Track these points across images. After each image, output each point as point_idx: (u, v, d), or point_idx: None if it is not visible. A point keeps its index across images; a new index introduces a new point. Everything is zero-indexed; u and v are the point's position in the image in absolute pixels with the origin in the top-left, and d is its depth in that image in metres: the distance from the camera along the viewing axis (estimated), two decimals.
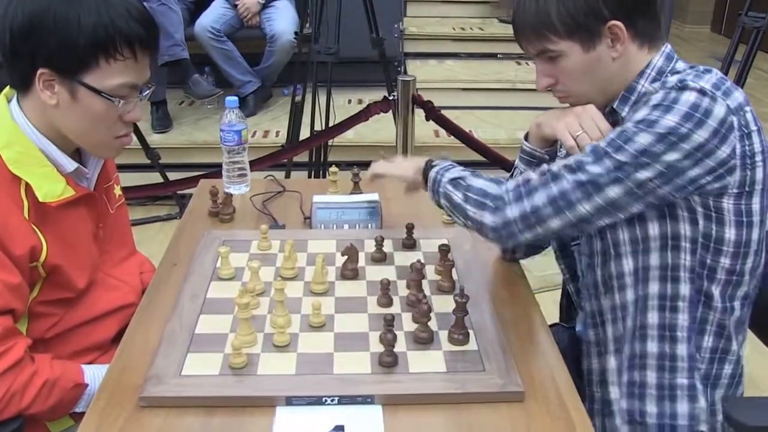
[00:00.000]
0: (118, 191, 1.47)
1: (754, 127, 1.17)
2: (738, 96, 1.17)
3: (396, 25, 4.40)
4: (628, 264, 1.24)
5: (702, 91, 1.13)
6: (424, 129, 3.58)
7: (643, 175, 1.13)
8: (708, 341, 1.25)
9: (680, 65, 1.24)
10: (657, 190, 1.14)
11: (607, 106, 1.26)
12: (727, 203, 1.17)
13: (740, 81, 3.24)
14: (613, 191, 1.14)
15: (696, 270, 1.21)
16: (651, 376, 1.26)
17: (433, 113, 2.94)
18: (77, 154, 1.33)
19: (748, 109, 1.18)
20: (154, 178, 3.40)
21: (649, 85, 1.23)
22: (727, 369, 1.27)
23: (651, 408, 1.27)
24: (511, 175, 1.42)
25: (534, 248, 1.48)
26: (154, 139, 3.74)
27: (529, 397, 1.10)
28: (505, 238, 1.23)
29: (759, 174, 1.17)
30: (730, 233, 1.19)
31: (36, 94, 1.20)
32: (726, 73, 3.32)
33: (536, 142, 1.35)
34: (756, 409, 1.25)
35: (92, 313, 1.34)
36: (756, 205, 1.19)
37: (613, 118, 1.26)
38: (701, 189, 1.15)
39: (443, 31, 4.71)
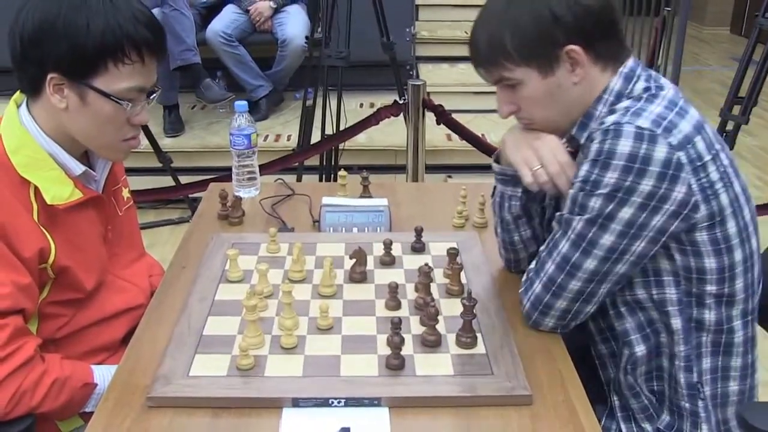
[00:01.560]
0: (126, 194, 1.48)
1: (707, 156, 1.13)
2: (684, 127, 1.12)
3: (407, 29, 4.40)
4: (617, 297, 1.24)
5: (639, 135, 1.09)
6: (436, 132, 3.59)
7: (607, 239, 1.13)
8: (707, 362, 1.22)
9: (640, 86, 1.20)
10: (631, 249, 1.14)
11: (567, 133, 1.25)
12: (701, 236, 1.15)
13: (757, 82, 3.22)
14: (590, 263, 1.16)
15: (684, 300, 1.19)
16: (664, 391, 1.26)
17: (443, 117, 2.95)
18: (85, 158, 1.34)
19: (697, 138, 1.13)
20: (166, 181, 3.42)
21: (607, 111, 1.19)
22: (734, 386, 1.24)
23: (664, 415, 1.27)
24: (493, 193, 1.43)
25: None
26: (166, 142, 3.77)
27: (537, 400, 1.10)
28: (535, 324, 1.26)
29: (724, 200, 1.14)
30: (710, 262, 1.16)
31: (46, 98, 1.22)
32: (743, 75, 3.30)
33: (505, 162, 1.33)
34: None
35: (101, 314, 1.35)
36: (732, 228, 1.16)
37: (573, 145, 1.25)
38: (672, 234, 1.14)
39: (455, 35, 4.69)
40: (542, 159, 1.22)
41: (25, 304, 1.20)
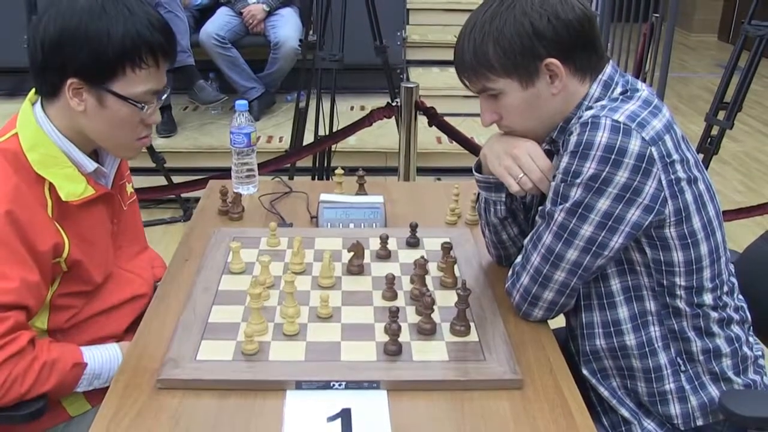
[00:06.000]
0: (130, 189, 1.53)
1: (675, 155, 1.18)
2: (656, 124, 1.18)
3: (399, 33, 4.46)
4: (591, 288, 1.29)
5: (614, 127, 1.15)
6: (426, 135, 3.64)
7: (587, 230, 1.19)
8: (696, 345, 1.27)
9: (617, 91, 1.25)
10: (609, 244, 1.19)
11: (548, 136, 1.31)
12: (669, 231, 1.21)
13: (743, 88, 3.29)
14: (572, 254, 1.22)
15: (656, 289, 1.25)
16: (641, 386, 1.30)
17: (435, 119, 3.00)
18: (95, 154, 1.38)
19: (667, 137, 1.18)
20: (159, 181, 3.46)
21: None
22: (727, 361, 1.29)
23: (645, 409, 1.31)
24: (477, 198, 1.48)
25: None
26: (159, 143, 3.80)
27: (527, 385, 1.15)
28: (525, 316, 1.32)
29: (689, 196, 1.20)
30: (677, 256, 1.22)
31: (64, 101, 1.25)
32: (728, 81, 3.36)
33: (487, 172, 1.39)
34: (751, 399, 1.27)
35: (107, 304, 1.40)
36: (697, 224, 1.22)
37: (555, 147, 1.31)
38: (644, 229, 1.19)
39: (445, 39, 4.75)
40: (523, 167, 1.29)
41: (29, 302, 1.23)
